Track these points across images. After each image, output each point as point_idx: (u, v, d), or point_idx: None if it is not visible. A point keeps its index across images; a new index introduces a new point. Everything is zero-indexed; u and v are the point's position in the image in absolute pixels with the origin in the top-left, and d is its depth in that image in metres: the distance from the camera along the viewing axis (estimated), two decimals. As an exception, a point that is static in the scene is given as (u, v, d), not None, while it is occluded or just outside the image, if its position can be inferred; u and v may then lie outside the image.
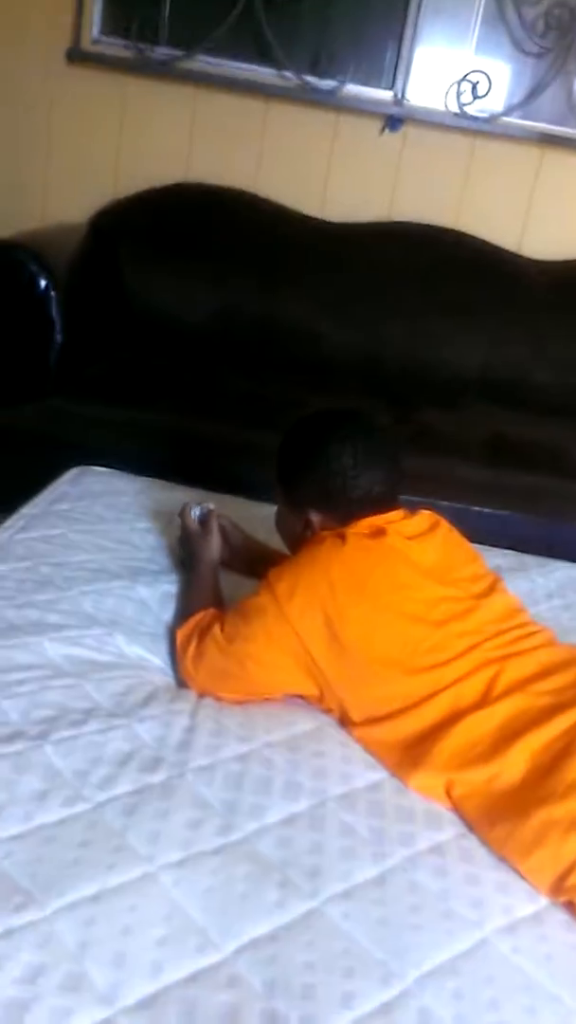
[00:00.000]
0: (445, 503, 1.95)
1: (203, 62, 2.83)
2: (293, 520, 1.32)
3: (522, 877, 1.00)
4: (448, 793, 1.09)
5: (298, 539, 1.30)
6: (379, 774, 1.13)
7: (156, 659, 1.31)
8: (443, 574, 1.23)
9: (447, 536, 1.31)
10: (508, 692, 1.14)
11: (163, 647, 1.33)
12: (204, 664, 1.22)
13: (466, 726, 1.11)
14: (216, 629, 1.23)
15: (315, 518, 1.28)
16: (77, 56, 2.84)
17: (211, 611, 1.29)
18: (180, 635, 1.28)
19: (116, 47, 2.84)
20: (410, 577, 1.20)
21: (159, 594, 1.44)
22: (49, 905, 0.85)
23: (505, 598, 1.29)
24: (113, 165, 2.96)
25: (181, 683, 1.26)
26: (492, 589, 1.28)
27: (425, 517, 1.31)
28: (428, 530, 1.28)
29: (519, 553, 1.82)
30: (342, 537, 1.21)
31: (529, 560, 1.79)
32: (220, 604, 1.35)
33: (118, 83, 2.88)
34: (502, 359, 2.74)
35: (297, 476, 1.30)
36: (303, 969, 0.83)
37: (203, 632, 1.24)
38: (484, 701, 1.13)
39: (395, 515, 1.27)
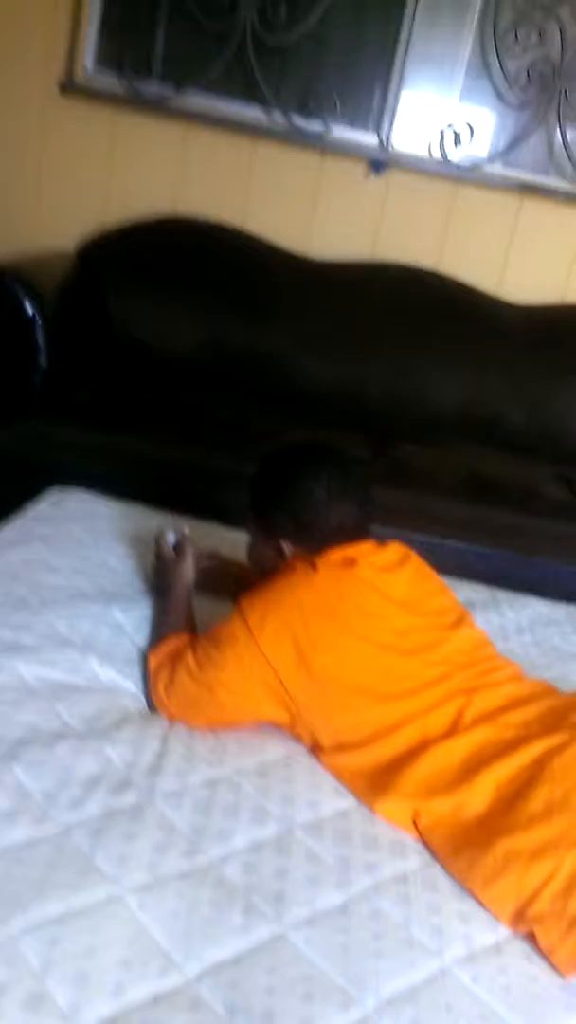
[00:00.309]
0: (420, 537, 1.98)
1: (194, 99, 2.89)
2: (265, 549, 1.34)
3: (484, 907, 1.01)
4: (415, 822, 1.10)
5: (270, 568, 1.31)
6: (347, 802, 1.14)
7: (129, 683, 1.31)
8: (413, 605, 1.26)
9: (417, 569, 1.33)
10: (476, 723, 1.16)
11: (137, 671, 1.33)
12: (175, 690, 1.23)
13: (433, 756, 1.13)
14: (188, 656, 1.24)
15: (287, 548, 1.30)
16: (70, 88, 2.89)
17: (184, 637, 1.30)
18: (152, 660, 1.29)
19: (109, 81, 2.89)
20: (380, 607, 1.22)
21: (134, 618, 1.45)
22: (13, 924, 0.85)
23: (473, 631, 1.31)
24: (103, 196, 3.00)
25: (153, 708, 1.27)
26: (460, 622, 1.30)
27: (395, 550, 1.33)
28: (398, 562, 1.31)
29: (491, 588, 1.85)
30: (313, 566, 1.23)
31: (501, 595, 1.82)
32: (193, 629, 1.36)
33: (110, 116, 2.93)
34: (479, 398, 2.80)
35: (270, 507, 1.32)
36: (264, 993, 0.84)
37: (175, 658, 1.25)
38: (452, 731, 1.15)
39: (366, 547, 1.29)
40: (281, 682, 1.18)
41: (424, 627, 1.24)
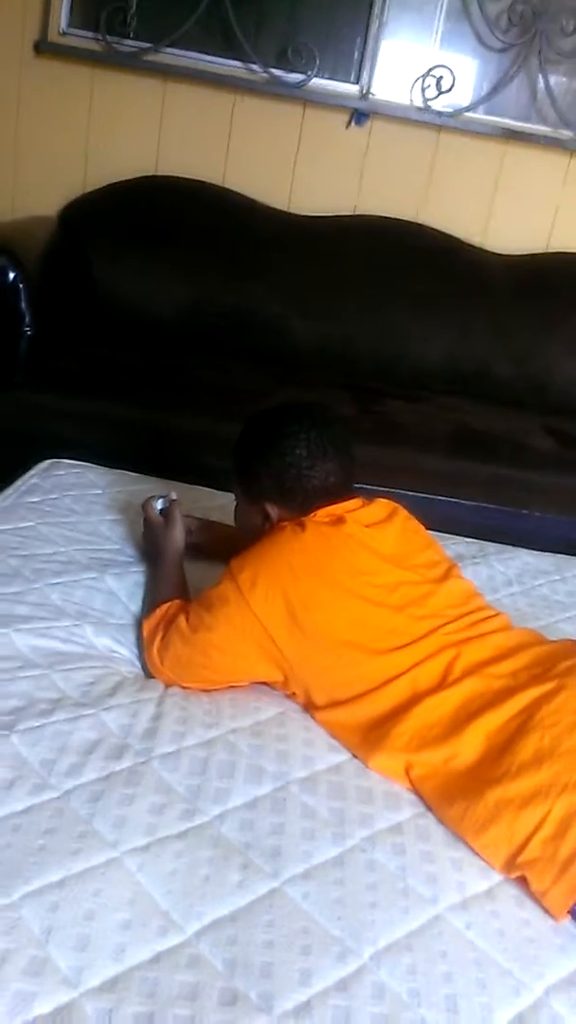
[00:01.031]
0: (409, 492, 1.99)
1: (171, 54, 2.83)
2: (251, 513, 1.34)
3: (476, 854, 1.03)
4: (407, 774, 1.12)
5: (257, 531, 1.32)
6: (340, 756, 1.16)
7: (124, 650, 1.32)
8: (401, 560, 1.26)
9: (404, 524, 1.34)
10: (465, 675, 1.17)
11: (131, 638, 1.35)
12: (169, 655, 1.24)
13: (424, 708, 1.14)
14: (181, 620, 1.25)
15: (272, 510, 1.30)
16: (45, 48, 2.83)
17: (176, 602, 1.31)
18: (146, 626, 1.30)
19: (84, 39, 2.83)
20: (369, 562, 1.23)
21: (128, 585, 1.46)
22: (15, 892, 0.86)
23: (461, 583, 1.32)
24: (82, 158, 2.95)
25: (149, 674, 1.28)
26: (449, 575, 1.31)
27: (382, 505, 1.34)
28: (386, 518, 1.31)
29: (480, 541, 1.86)
30: (301, 525, 1.24)
31: (490, 548, 1.83)
32: (185, 594, 1.37)
33: (86, 75, 2.87)
34: (465, 351, 2.79)
35: (253, 470, 1.32)
36: (262, 948, 0.86)
37: (168, 623, 1.27)
38: (442, 684, 1.17)
39: (352, 504, 1.30)
40: (273, 641, 1.19)
41: (413, 581, 1.25)
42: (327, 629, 1.19)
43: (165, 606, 1.31)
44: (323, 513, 1.27)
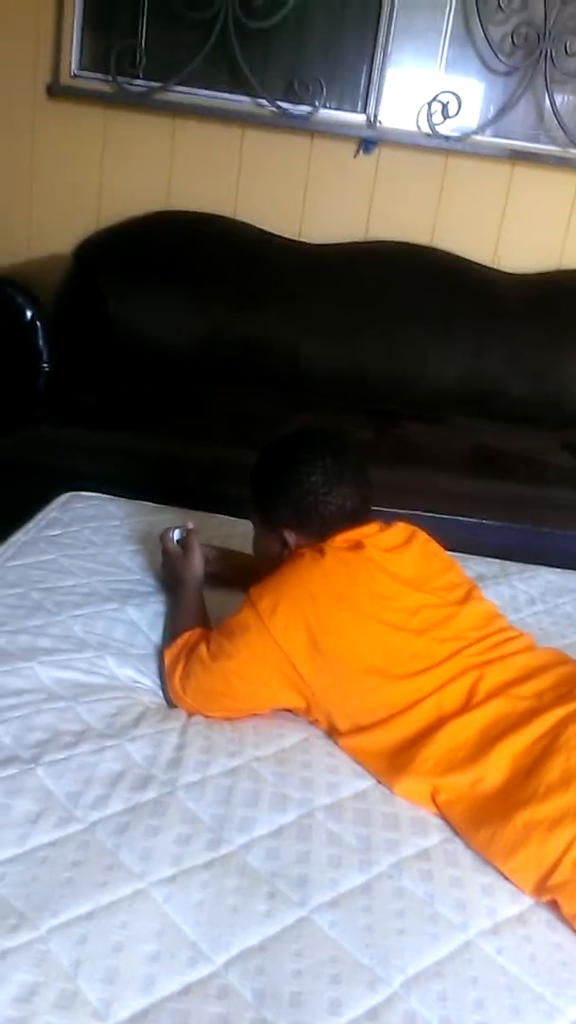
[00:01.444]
0: (427, 514, 1.98)
1: (180, 92, 2.88)
2: (270, 540, 1.35)
3: (506, 879, 1.02)
4: (434, 799, 1.11)
5: (276, 559, 1.32)
6: (365, 783, 1.15)
7: (146, 680, 1.33)
8: (421, 583, 1.26)
9: (424, 547, 1.34)
10: (489, 697, 1.17)
11: (153, 668, 1.35)
12: (191, 684, 1.25)
13: (449, 732, 1.14)
14: (202, 648, 1.25)
15: (290, 537, 1.31)
16: (57, 91, 2.89)
17: (197, 631, 1.32)
18: (167, 656, 1.30)
19: (95, 81, 2.89)
20: (389, 587, 1.23)
21: (149, 615, 1.46)
22: (43, 925, 0.87)
23: (483, 605, 1.32)
24: (95, 196, 3.00)
25: (171, 703, 1.29)
26: (469, 597, 1.31)
27: (401, 529, 1.34)
28: (404, 542, 1.31)
29: (501, 561, 1.85)
30: (320, 551, 1.24)
31: (511, 567, 1.82)
32: (206, 623, 1.37)
33: (98, 116, 2.93)
34: (480, 371, 2.79)
35: (270, 497, 1.33)
36: (292, 978, 0.85)
37: (189, 652, 1.27)
38: (466, 707, 1.16)
39: (370, 528, 1.30)
40: (295, 668, 1.19)
41: (433, 604, 1.25)
42: (348, 655, 1.19)
43: (186, 635, 1.31)
44: (341, 539, 1.27)
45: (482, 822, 1.06)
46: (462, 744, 1.13)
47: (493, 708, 1.15)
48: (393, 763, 1.15)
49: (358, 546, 1.26)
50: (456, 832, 1.09)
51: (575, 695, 1.16)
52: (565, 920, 0.98)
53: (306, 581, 1.21)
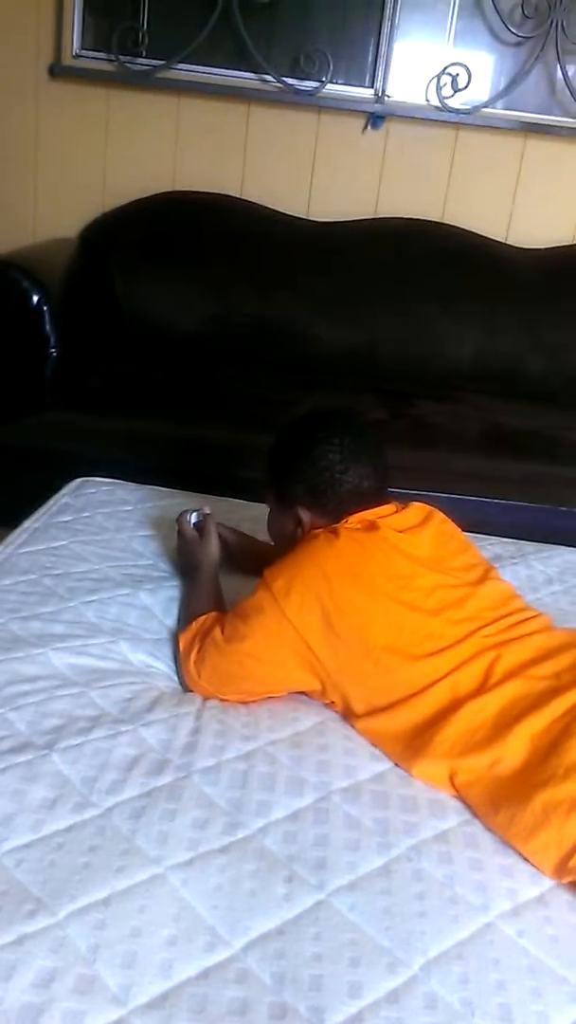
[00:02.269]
0: (443, 494, 1.97)
1: (184, 70, 2.85)
2: (284, 520, 1.34)
3: (526, 860, 1.01)
4: (452, 781, 1.10)
5: (290, 539, 1.31)
6: (383, 765, 1.14)
7: (161, 665, 1.32)
8: (437, 564, 1.25)
9: (440, 527, 1.32)
10: (507, 678, 1.15)
11: (167, 653, 1.35)
12: (206, 667, 1.24)
13: (466, 713, 1.12)
14: (216, 631, 1.24)
15: (305, 516, 1.30)
16: (59, 71, 2.86)
17: (212, 614, 1.31)
18: (182, 640, 1.30)
19: (98, 60, 2.86)
20: (405, 567, 1.22)
21: (162, 600, 1.46)
22: (60, 910, 0.86)
23: (500, 585, 1.30)
24: (100, 178, 2.98)
25: (186, 687, 1.28)
26: (486, 577, 1.29)
27: (417, 509, 1.32)
28: (420, 523, 1.30)
29: (518, 541, 1.83)
30: (335, 532, 1.23)
31: (528, 547, 1.80)
32: (221, 607, 1.36)
33: (101, 96, 2.91)
34: (494, 349, 2.76)
35: (286, 476, 1.32)
36: (311, 961, 0.85)
37: (204, 635, 1.26)
38: (483, 687, 1.15)
39: (386, 509, 1.29)
40: (310, 649, 1.18)
41: (449, 584, 1.23)
42: (364, 634, 1.18)
43: (201, 619, 1.31)
44: (356, 519, 1.26)
45: (501, 804, 1.05)
46: (480, 725, 1.12)
47: (511, 689, 1.14)
48: (410, 745, 1.14)
49: (373, 527, 1.24)
50: (475, 814, 1.08)
51: None
52: (587, 901, 0.97)
53: (320, 561, 1.20)
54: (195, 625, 1.30)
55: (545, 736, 1.08)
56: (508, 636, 1.21)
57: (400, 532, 1.26)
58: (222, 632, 1.24)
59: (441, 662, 1.16)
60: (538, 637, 1.23)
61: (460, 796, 1.10)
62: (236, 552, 1.55)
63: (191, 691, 1.27)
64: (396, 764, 1.14)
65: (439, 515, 1.35)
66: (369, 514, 1.27)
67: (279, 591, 1.19)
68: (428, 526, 1.31)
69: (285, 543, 1.32)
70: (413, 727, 1.15)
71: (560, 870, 0.99)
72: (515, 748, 1.08)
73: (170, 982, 0.81)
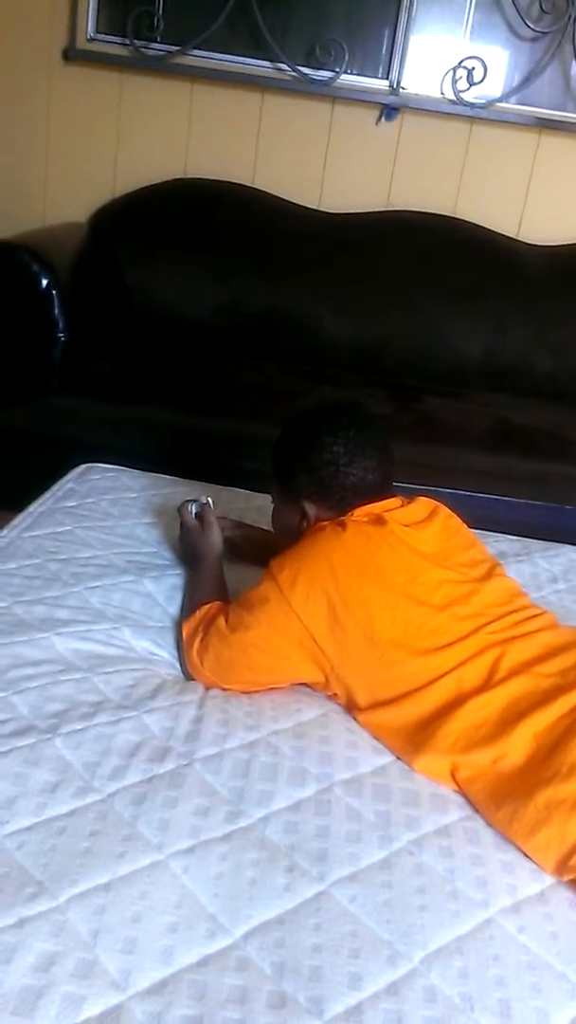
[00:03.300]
0: (449, 490, 1.96)
1: (199, 57, 2.83)
2: (289, 513, 1.33)
3: (527, 857, 1.01)
4: (453, 776, 1.10)
5: (295, 532, 1.31)
6: (385, 758, 1.14)
7: (163, 653, 1.32)
8: (442, 559, 1.25)
9: (446, 522, 1.32)
10: (511, 674, 1.15)
11: (170, 641, 1.34)
12: (209, 655, 1.24)
13: (470, 709, 1.12)
14: (220, 620, 1.24)
15: (311, 510, 1.29)
16: (73, 55, 2.85)
17: (216, 603, 1.31)
18: (186, 628, 1.29)
19: (112, 44, 2.85)
20: (410, 561, 1.21)
21: (165, 588, 1.45)
22: (61, 894, 0.86)
23: (505, 582, 1.30)
24: (112, 163, 2.97)
25: (188, 676, 1.28)
26: (492, 573, 1.29)
27: (423, 504, 1.32)
28: (426, 518, 1.30)
29: (524, 538, 1.83)
30: (342, 524, 1.23)
31: (534, 545, 1.80)
32: (225, 596, 1.36)
33: (114, 80, 2.89)
34: (503, 345, 2.75)
35: (291, 468, 1.31)
36: (311, 952, 0.85)
37: (208, 624, 1.26)
38: (487, 684, 1.14)
39: (392, 503, 1.28)
40: (315, 640, 1.18)
41: (455, 580, 1.23)
42: (369, 627, 1.17)
43: (204, 608, 1.30)
44: (362, 512, 1.25)
45: (503, 800, 1.05)
46: (484, 721, 1.12)
47: (516, 686, 1.14)
48: (413, 739, 1.14)
49: (379, 520, 1.24)
50: (476, 810, 1.08)
51: None
52: (587, 899, 0.96)
53: (327, 553, 1.20)
54: (199, 614, 1.30)
55: (549, 734, 1.08)
56: (513, 633, 1.21)
57: (407, 526, 1.25)
58: (226, 621, 1.24)
59: (446, 657, 1.16)
60: (543, 635, 1.22)
61: (462, 791, 1.10)
62: (238, 543, 1.55)
63: (193, 679, 1.27)
64: (398, 758, 1.14)
65: (445, 510, 1.35)
66: (375, 507, 1.26)
67: (285, 582, 1.19)
68: (434, 521, 1.31)
69: (290, 537, 1.32)
70: (416, 721, 1.15)
71: (561, 868, 0.99)
72: (518, 745, 1.08)
73: (170, 968, 0.81)
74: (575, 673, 1.15)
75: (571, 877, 0.98)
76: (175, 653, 1.32)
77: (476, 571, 1.28)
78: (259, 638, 1.20)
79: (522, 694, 1.13)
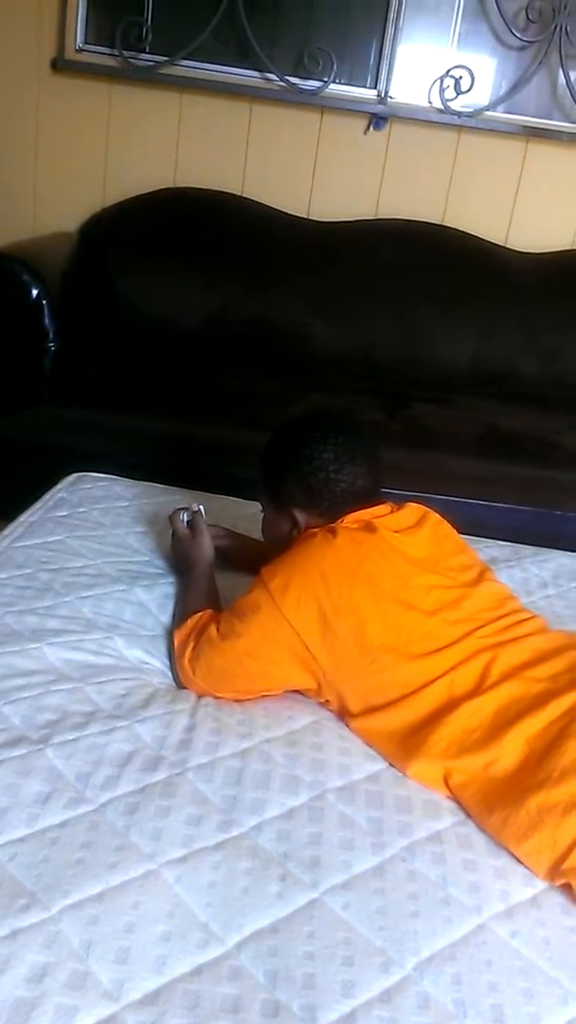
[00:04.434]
0: (439, 496, 1.97)
1: (187, 67, 2.85)
2: (279, 521, 1.34)
3: (519, 862, 1.01)
4: (446, 782, 1.11)
5: (285, 540, 1.31)
6: (377, 765, 1.14)
7: (156, 662, 1.32)
8: (433, 564, 1.25)
9: (436, 528, 1.33)
10: (503, 679, 1.15)
11: (162, 650, 1.34)
12: (201, 664, 1.24)
13: (462, 714, 1.13)
14: (212, 629, 1.24)
15: (301, 517, 1.30)
16: (62, 65, 2.86)
17: (207, 612, 1.31)
18: (177, 637, 1.29)
19: (101, 55, 2.85)
20: (401, 567, 1.22)
21: (157, 597, 1.45)
22: (54, 905, 0.86)
23: (496, 587, 1.31)
24: (101, 172, 2.98)
25: (181, 685, 1.28)
26: (482, 578, 1.30)
27: (412, 510, 1.33)
28: (416, 523, 1.30)
29: (513, 544, 1.83)
30: (332, 532, 1.23)
31: (523, 550, 1.80)
32: (216, 605, 1.36)
33: (103, 91, 2.90)
34: (491, 352, 2.77)
35: (280, 476, 1.31)
36: (304, 960, 0.85)
37: (199, 633, 1.26)
38: (479, 688, 1.15)
39: (381, 509, 1.29)
40: (307, 647, 1.18)
41: (445, 585, 1.24)
42: (360, 633, 1.18)
43: (196, 616, 1.30)
44: (352, 519, 1.26)
45: (495, 805, 1.05)
46: (476, 726, 1.12)
47: (507, 690, 1.14)
48: (405, 745, 1.14)
49: (369, 527, 1.25)
50: (469, 815, 1.08)
51: None
52: (578, 904, 0.97)
53: (317, 560, 1.20)
54: (190, 622, 1.30)
55: (541, 738, 1.09)
56: (504, 637, 1.21)
57: (397, 532, 1.26)
58: (217, 630, 1.24)
59: (437, 662, 1.17)
60: (534, 639, 1.23)
61: (454, 797, 1.10)
62: (229, 552, 1.55)
63: (185, 688, 1.26)
64: (391, 764, 1.14)
65: (435, 516, 1.36)
66: (365, 514, 1.27)
67: (276, 589, 1.19)
68: (424, 527, 1.31)
69: (281, 545, 1.32)
70: (409, 726, 1.15)
71: (553, 873, 0.99)
72: (510, 750, 1.09)
73: (163, 978, 0.81)
74: (566, 677, 1.16)
75: (563, 882, 0.99)
76: (167, 662, 1.32)
77: (466, 576, 1.28)
78: (251, 646, 1.20)
79: (514, 699, 1.13)
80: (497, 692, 1.14)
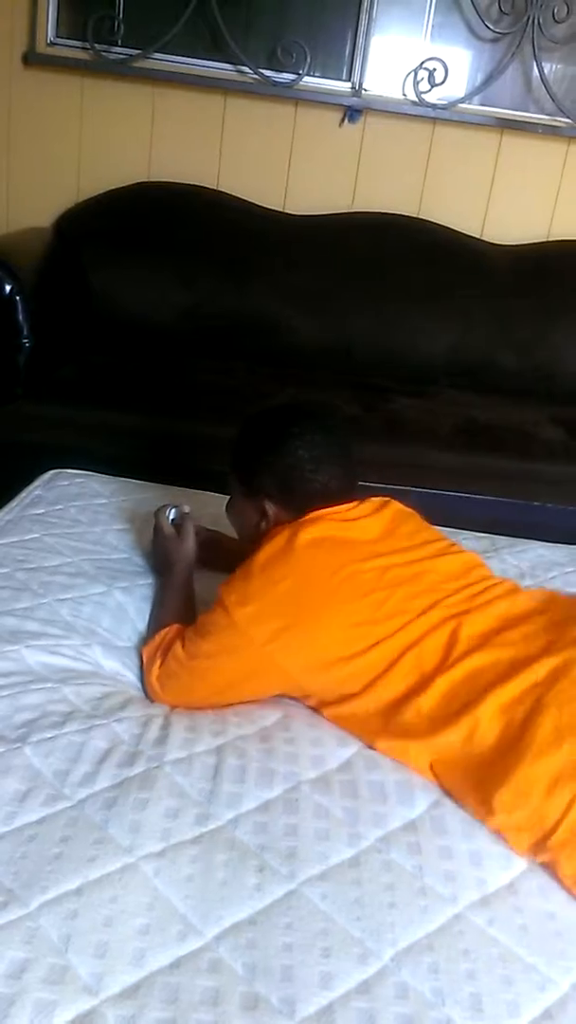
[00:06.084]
0: (417, 489, 1.97)
1: (160, 60, 2.83)
2: (247, 509, 1.33)
3: (495, 844, 1.01)
4: (427, 762, 1.11)
5: (252, 528, 1.31)
6: (349, 750, 1.15)
7: (130, 675, 1.30)
8: (389, 544, 1.25)
9: (395, 514, 1.32)
10: (471, 649, 1.15)
11: (137, 663, 1.32)
12: (170, 683, 1.23)
13: (435, 689, 1.12)
14: (177, 647, 1.23)
15: (270, 509, 1.29)
16: (33, 59, 2.83)
17: (175, 627, 1.29)
18: (145, 653, 1.29)
19: (72, 48, 2.83)
20: (354, 552, 1.21)
21: (136, 599, 1.44)
22: (32, 901, 0.86)
23: (461, 556, 1.30)
24: (75, 167, 2.96)
25: (151, 698, 1.26)
26: (447, 551, 1.30)
27: (371, 502, 1.31)
28: (372, 511, 1.29)
29: (492, 535, 1.84)
30: (294, 535, 1.21)
31: (501, 541, 1.81)
32: (191, 613, 1.35)
33: (76, 85, 2.88)
34: (468, 344, 2.78)
35: (255, 467, 1.30)
36: (282, 951, 0.85)
37: (165, 650, 1.25)
38: (447, 659, 1.15)
39: (345, 507, 1.28)
40: (271, 659, 1.17)
41: (401, 563, 1.23)
42: (324, 638, 1.17)
43: (163, 631, 1.29)
44: (316, 515, 1.25)
45: (477, 782, 1.05)
46: (451, 697, 1.12)
47: (476, 660, 1.14)
48: (386, 725, 1.14)
49: (321, 519, 1.24)
50: (447, 794, 1.08)
51: (562, 644, 1.15)
52: (562, 882, 0.97)
53: (269, 573, 1.19)
54: (157, 639, 1.29)
55: (516, 707, 1.08)
56: (470, 605, 1.21)
57: (348, 521, 1.25)
58: (183, 648, 1.23)
59: (402, 638, 1.16)
60: (500, 604, 1.23)
61: (436, 778, 1.10)
62: (212, 551, 1.54)
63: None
64: (368, 746, 1.15)
65: (397, 504, 1.35)
66: (328, 511, 1.25)
67: (233, 606, 1.18)
68: (382, 513, 1.30)
69: (247, 533, 1.32)
70: (383, 707, 1.15)
71: (537, 848, 0.99)
72: (487, 721, 1.08)
73: (142, 972, 0.81)
74: (539, 642, 1.16)
75: (547, 858, 0.99)
76: (140, 675, 1.31)
77: (426, 550, 1.28)
78: (216, 664, 1.20)
79: (484, 666, 1.13)
80: (466, 663, 1.14)
